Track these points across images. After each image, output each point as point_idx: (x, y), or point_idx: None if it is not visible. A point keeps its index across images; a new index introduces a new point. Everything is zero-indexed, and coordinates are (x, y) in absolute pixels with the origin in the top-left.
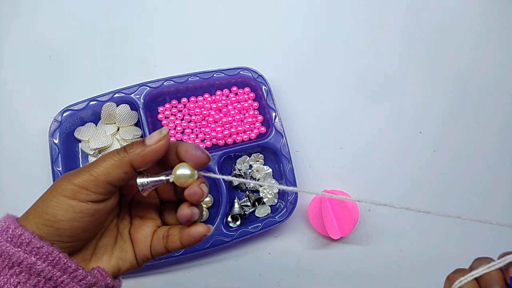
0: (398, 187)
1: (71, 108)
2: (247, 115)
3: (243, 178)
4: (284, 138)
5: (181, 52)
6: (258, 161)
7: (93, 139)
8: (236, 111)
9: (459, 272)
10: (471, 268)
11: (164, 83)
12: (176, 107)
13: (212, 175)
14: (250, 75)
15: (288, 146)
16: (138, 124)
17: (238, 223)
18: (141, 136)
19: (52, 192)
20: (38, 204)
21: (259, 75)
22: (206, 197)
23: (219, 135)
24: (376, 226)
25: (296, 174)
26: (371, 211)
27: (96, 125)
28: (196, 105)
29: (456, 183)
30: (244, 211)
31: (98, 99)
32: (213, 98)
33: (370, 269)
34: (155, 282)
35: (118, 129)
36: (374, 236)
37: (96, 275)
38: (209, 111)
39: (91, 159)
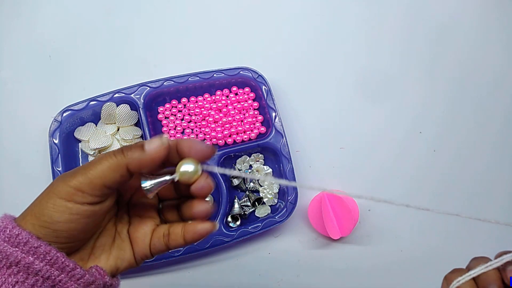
0: (398, 187)
1: (71, 108)
2: (247, 115)
3: (243, 177)
4: (284, 138)
5: (181, 52)
6: (258, 161)
7: (93, 139)
8: (236, 111)
9: (457, 272)
10: (468, 268)
11: (164, 83)
12: (176, 107)
13: (215, 168)
14: (250, 75)
15: (288, 146)
16: (138, 124)
17: (238, 223)
18: (141, 136)
19: (48, 194)
20: (35, 205)
21: (259, 75)
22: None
23: (219, 135)
24: (376, 226)
25: (296, 174)
26: (371, 211)
27: (96, 125)
28: (196, 105)
29: (456, 183)
30: (244, 211)
31: (98, 99)
32: (213, 98)
33: (370, 269)
34: (155, 282)
35: (118, 129)
36: (374, 236)
37: (94, 274)
38: (209, 111)
39: (91, 159)
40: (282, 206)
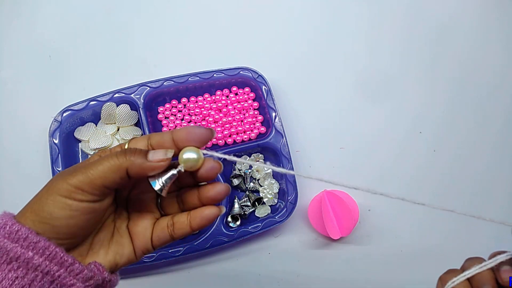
0: (398, 187)
1: (71, 108)
2: (247, 115)
3: (243, 177)
4: (284, 138)
5: (181, 52)
6: (258, 161)
7: (93, 139)
8: (236, 111)
9: (451, 272)
10: (463, 268)
11: (164, 83)
12: (176, 107)
13: (215, 153)
14: (250, 75)
15: (288, 146)
16: (138, 124)
17: (238, 223)
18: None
19: (48, 191)
20: (34, 202)
21: (259, 75)
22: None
23: (219, 135)
24: (376, 226)
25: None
26: (371, 211)
27: (96, 125)
28: (196, 105)
29: (456, 183)
30: (244, 211)
31: (98, 99)
32: (213, 98)
33: (370, 269)
34: (155, 282)
35: (118, 129)
36: (374, 236)
37: (93, 270)
38: (209, 111)
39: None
40: (282, 206)
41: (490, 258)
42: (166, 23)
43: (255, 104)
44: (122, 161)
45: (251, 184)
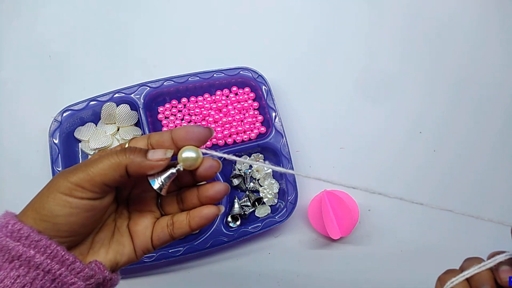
0: (398, 187)
1: (71, 108)
2: (247, 115)
3: (243, 177)
4: (284, 138)
5: (181, 52)
6: (258, 161)
7: (93, 139)
8: (236, 111)
9: (450, 272)
10: (462, 268)
11: (164, 83)
12: (176, 107)
13: (214, 152)
14: (250, 75)
15: (288, 146)
16: (138, 124)
17: (238, 223)
18: None
19: (49, 189)
20: (36, 200)
21: (259, 75)
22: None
23: (219, 135)
24: (376, 226)
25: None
26: (371, 211)
27: (96, 125)
28: (196, 105)
29: (456, 183)
30: (244, 211)
31: (98, 99)
32: (213, 98)
33: (370, 269)
34: (155, 282)
35: (118, 129)
36: (374, 236)
37: (94, 268)
38: (209, 111)
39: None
40: (282, 206)
41: (489, 258)
42: (166, 23)
43: (255, 104)
44: (121, 159)
45: (251, 184)
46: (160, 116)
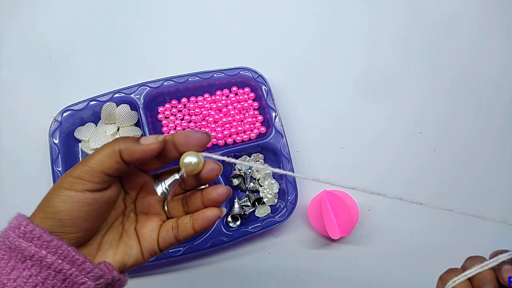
0: (398, 187)
1: (71, 108)
2: (247, 115)
3: (243, 177)
4: (284, 138)
5: (181, 52)
6: (258, 161)
7: (93, 139)
8: (236, 111)
9: (452, 272)
10: (463, 268)
11: (164, 83)
12: (176, 107)
13: (214, 155)
14: (250, 75)
15: (288, 146)
16: (138, 124)
17: (238, 223)
18: (141, 136)
19: (54, 187)
20: (43, 201)
21: (259, 75)
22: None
23: (219, 135)
24: (376, 226)
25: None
26: (371, 211)
27: (96, 125)
28: (196, 105)
29: (456, 183)
30: (244, 211)
31: (98, 99)
32: (213, 98)
33: (370, 269)
34: (155, 282)
35: (118, 129)
36: (374, 236)
37: (103, 268)
38: (209, 111)
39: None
40: (282, 206)
41: (491, 257)
42: (166, 23)
43: (255, 104)
44: (115, 146)
45: (251, 184)
46: (160, 116)
